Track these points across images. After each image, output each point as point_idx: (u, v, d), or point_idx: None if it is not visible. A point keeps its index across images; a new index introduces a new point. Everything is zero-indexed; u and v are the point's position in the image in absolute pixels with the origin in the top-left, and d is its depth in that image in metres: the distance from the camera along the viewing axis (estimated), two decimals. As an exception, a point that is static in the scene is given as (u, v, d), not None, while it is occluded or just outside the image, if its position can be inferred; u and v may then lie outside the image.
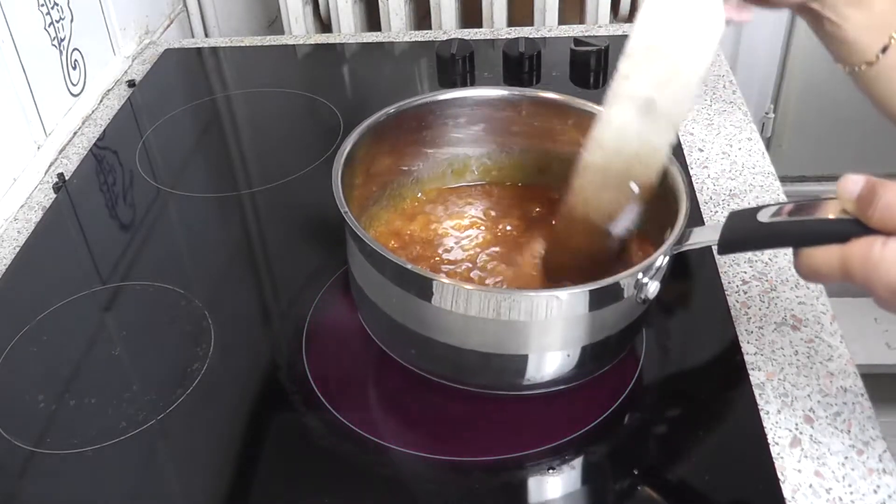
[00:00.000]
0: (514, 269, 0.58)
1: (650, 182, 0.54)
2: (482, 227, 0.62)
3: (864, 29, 0.61)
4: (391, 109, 0.59)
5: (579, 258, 0.57)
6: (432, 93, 0.61)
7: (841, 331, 0.58)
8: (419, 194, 0.64)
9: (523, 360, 0.50)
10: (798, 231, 0.45)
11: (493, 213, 0.63)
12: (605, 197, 0.55)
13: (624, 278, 0.47)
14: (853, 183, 0.41)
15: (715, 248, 0.50)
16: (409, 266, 0.47)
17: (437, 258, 0.59)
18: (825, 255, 0.43)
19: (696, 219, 0.69)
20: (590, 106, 0.58)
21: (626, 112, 0.53)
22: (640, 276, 0.47)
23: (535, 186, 0.64)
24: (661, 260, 0.48)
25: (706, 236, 0.50)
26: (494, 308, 0.46)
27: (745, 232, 0.48)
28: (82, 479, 0.52)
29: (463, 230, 0.62)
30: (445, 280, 0.49)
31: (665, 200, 0.52)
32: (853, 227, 0.42)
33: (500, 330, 0.48)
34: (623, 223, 0.55)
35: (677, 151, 0.78)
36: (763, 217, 0.46)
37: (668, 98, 0.53)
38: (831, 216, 0.43)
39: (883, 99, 0.64)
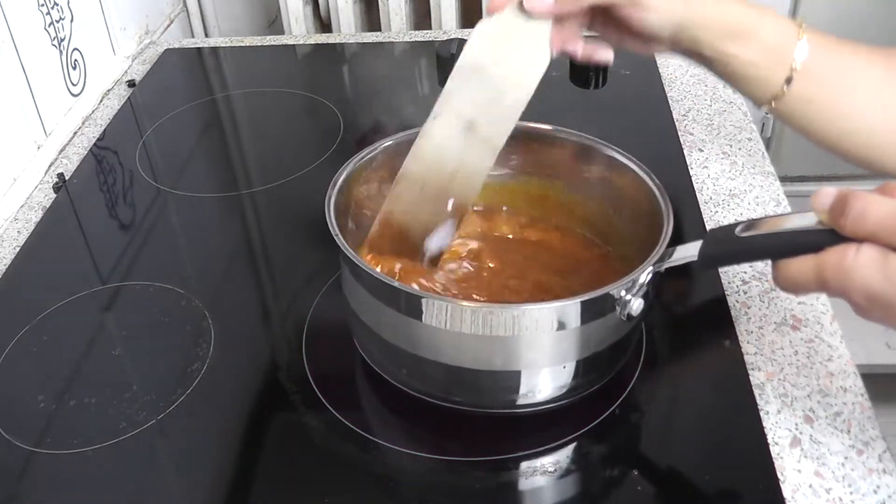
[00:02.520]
0: (503, 290, 0.59)
1: (466, 203, 0.56)
2: (478, 251, 0.62)
3: (752, 65, 0.57)
4: (387, 142, 0.59)
5: (392, 258, 0.58)
6: (414, 129, 0.60)
7: (841, 331, 0.58)
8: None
9: (515, 376, 0.50)
10: (774, 244, 0.45)
11: (487, 237, 0.63)
12: (421, 209, 0.56)
13: (604, 294, 0.47)
14: (826, 195, 0.42)
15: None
16: (396, 284, 0.48)
17: (435, 280, 0.60)
18: (801, 265, 0.43)
19: (695, 220, 0.69)
20: (577, 135, 0.59)
21: (447, 128, 0.55)
22: (622, 293, 0.48)
23: (531, 211, 0.64)
24: (643, 277, 0.48)
25: (688, 252, 0.50)
26: (485, 323, 0.47)
27: (724, 247, 0.48)
28: (82, 479, 0.52)
29: (459, 255, 0.62)
30: (435, 298, 0.49)
31: (650, 219, 0.53)
32: (827, 237, 0.42)
33: (492, 346, 0.48)
34: (437, 240, 0.56)
35: (677, 151, 0.78)
36: (740, 232, 0.47)
37: (488, 121, 0.54)
38: (806, 227, 0.43)
39: (810, 131, 0.60)
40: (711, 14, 0.56)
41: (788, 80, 0.57)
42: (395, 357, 0.52)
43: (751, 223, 0.47)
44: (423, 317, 0.48)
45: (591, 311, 0.48)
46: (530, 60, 0.54)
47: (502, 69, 0.54)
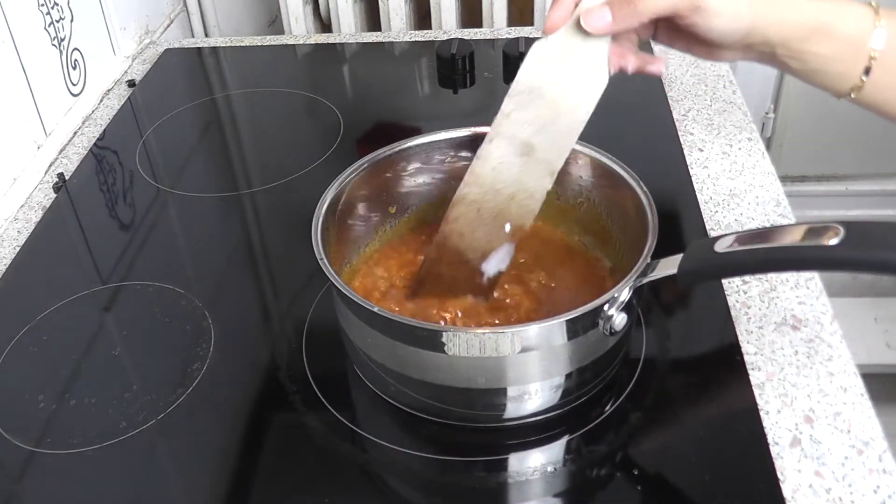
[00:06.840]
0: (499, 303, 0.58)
1: (523, 226, 0.55)
2: None
3: (831, 59, 0.55)
4: (373, 156, 0.59)
5: (444, 286, 0.57)
6: (409, 138, 0.61)
7: (841, 331, 0.58)
8: (411, 233, 0.64)
9: (502, 393, 0.50)
10: (752, 260, 0.46)
11: None
12: (478, 232, 0.56)
13: (585, 312, 0.47)
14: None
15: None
16: (376, 309, 0.48)
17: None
18: None
19: (695, 221, 0.69)
20: None
21: (504, 150, 0.54)
22: (605, 308, 0.48)
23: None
24: (624, 294, 0.48)
25: (670, 267, 0.49)
26: (468, 346, 0.47)
27: (702, 263, 0.48)
28: (82, 479, 0.52)
29: None
30: (415, 322, 0.49)
31: (640, 227, 0.52)
32: (808, 254, 0.42)
33: (476, 366, 0.48)
34: (493, 262, 0.56)
35: (677, 151, 0.78)
36: (720, 247, 0.47)
37: (545, 143, 0.54)
38: (785, 244, 0.43)
39: (891, 114, 0.58)
40: (786, 15, 0.54)
41: (867, 70, 0.55)
42: (383, 375, 0.52)
43: (732, 238, 0.47)
44: (407, 340, 0.48)
45: (574, 330, 0.48)
46: (588, 80, 0.53)
47: (559, 90, 0.53)
